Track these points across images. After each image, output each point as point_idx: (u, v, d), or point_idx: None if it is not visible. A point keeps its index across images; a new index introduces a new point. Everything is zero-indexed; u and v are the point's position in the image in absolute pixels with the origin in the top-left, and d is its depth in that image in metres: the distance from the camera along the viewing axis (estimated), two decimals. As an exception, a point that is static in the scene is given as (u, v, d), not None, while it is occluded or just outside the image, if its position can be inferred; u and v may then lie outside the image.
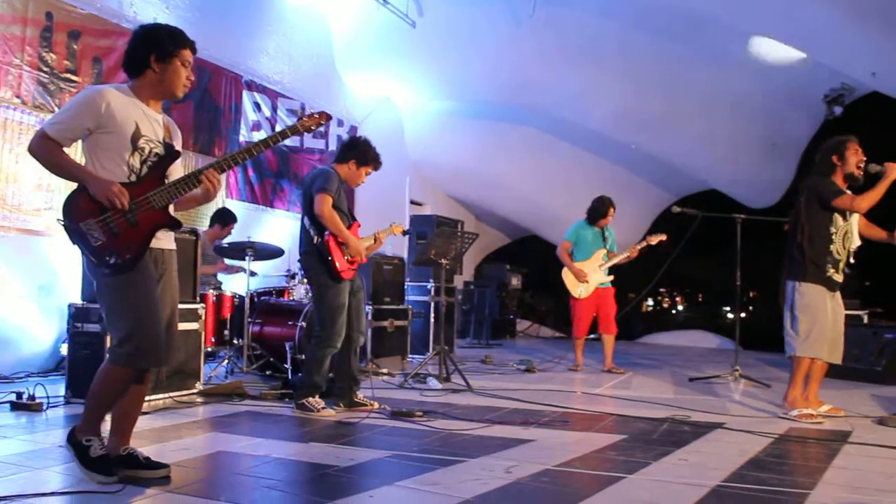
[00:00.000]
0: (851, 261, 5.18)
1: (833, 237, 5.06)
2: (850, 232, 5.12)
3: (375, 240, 5.51)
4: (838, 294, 5.17)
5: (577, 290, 8.04)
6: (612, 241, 8.26)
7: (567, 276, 8.11)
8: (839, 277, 5.11)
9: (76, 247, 3.04)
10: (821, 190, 5.05)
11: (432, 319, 8.75)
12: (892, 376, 7.00)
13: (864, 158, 5.08)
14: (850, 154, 5.06)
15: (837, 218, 5.07)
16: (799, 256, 5.09)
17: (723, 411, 5.38)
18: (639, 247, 8.05)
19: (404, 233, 5.96)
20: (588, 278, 8.00)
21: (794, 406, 5.07)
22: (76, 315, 5.10)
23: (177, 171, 3.31)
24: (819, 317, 5.05)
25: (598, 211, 8.12)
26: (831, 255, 5.07)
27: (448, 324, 8.55)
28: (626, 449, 4.03)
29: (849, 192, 5.04)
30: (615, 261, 8.09)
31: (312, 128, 3.65)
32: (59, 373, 6.20)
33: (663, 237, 8.30)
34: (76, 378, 4.97)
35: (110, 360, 3.12)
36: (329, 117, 3.77)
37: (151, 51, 3.16)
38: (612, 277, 8.22)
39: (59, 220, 3.02)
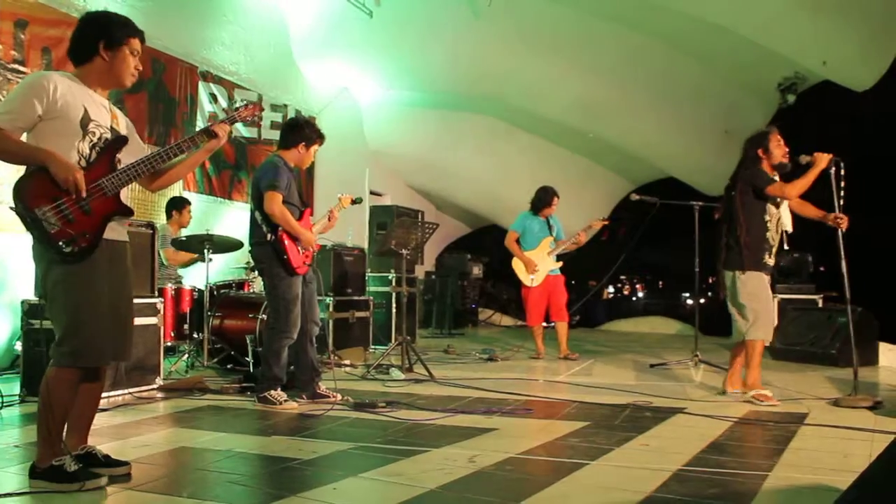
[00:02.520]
0: (785, 247, 5.43)
1: (768, 224, 5.28)
2: (781, 218, 5.35)
3: (329, 218, 5.53)
4: (769, 278, 5.36)
5: (529, 278, 8.14)
6: (559, 229, 8.38)
7: (518, 266, 8.22)
8: (772, 262, 5.34)
9: (30, 233, 2.92)
10: (754, 179, 5.25)
11: (394, 310, 8.74)
12: (846, 359, 7.13)
13: (787, 149, 5.31)
14: (773, 146, 5.30)
15: (770, 206, 5.29)
16: (735, 246, 5.26)
17: (683, 396, 5.45)
18: (582, 232, 8.22)
19: (354, 201, 5.87)
20: (538, 267, 8.10)
21: (753, 388, 5.18)
22: (30, 312, 5.00)
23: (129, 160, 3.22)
24: (763, 301, 5.25)
25: (543, 200, 8.27)
26: (767, 242, 5.28)
27: (410, 314, 8.55)
28: (588, 435, 4.06)
29: (778, 181, 5.24)
30: (562, 248, 8.22)
31: (248, 119, 3.62)
32: (13, 371, 6.07)
33: (606, 221, 8.64)
34: (31, 376, 4.86)
35: (53, 362, 2.99)
36: (262, 108, 3.76)
37: (101, 38, 3.08)
38: (560, 264, 8.34)
39: (10, 207, 2.89)
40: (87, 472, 2.99)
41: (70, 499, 2.83)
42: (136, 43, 3.17)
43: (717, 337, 10.90)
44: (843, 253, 5.21)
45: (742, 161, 5.41)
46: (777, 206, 5.31)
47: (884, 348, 7.73)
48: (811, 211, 5.36)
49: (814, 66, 10.38)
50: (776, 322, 5.42)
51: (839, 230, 5.16)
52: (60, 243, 2.91)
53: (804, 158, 5.19)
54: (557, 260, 8.30)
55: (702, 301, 8.31)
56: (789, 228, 5.38)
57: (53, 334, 3.02)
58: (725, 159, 12.73)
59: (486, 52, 11.19)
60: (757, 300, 5.21)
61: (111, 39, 3.10)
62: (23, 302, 5.09)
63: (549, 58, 11.35)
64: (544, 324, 8.33)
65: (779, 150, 5.29)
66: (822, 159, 5.10)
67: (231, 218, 9.30)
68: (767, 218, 5.27)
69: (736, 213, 5.28)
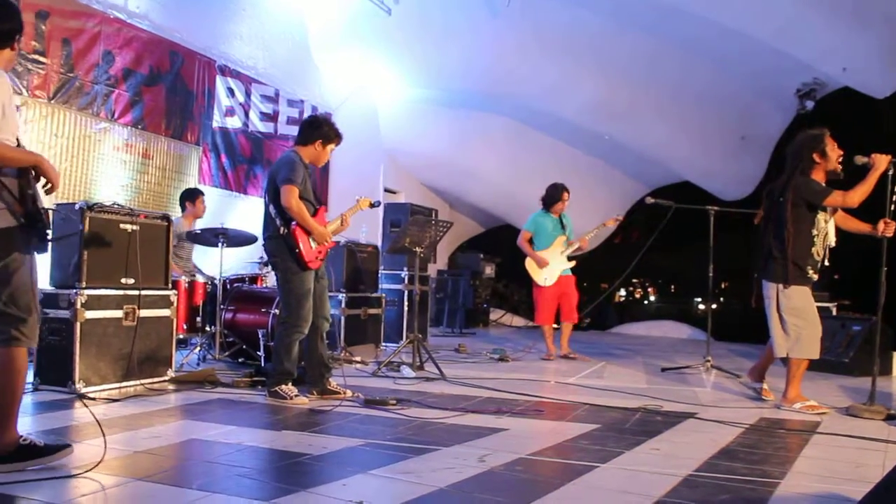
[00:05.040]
0: (826, 262, 5.20)
1: (815, 239, 5.08)
2: (828, 233, 5.14)
3: (342, 222, 5.49)
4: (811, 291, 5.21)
5: (542, 277, 8.13)
6: (570, 228, 8.38)
7: (531, 265, 8.22)
8: (816, 277, 5.16)
9: (30, 225, 3.01)
10: (807, 192, 5.02)
11: (406, 308, 8.74)
12: (859, 368, 7.10)
13: (842, 152, 5.08)
14: (829, 150, 5.05)
15: (820, 220, 5.08)
16: (780, 258, 5.06)
17: (695, 401, 5.42)
18: (593, 231, 8.29)
19: (372, 205, 5.84)
20: (550, 265, 8.12)
21: (796, 401, 5.11)
22: (45, 301, 4.99)
23: None
24: (810, 317, 5.08)
25: (553, 197, 8.25)
26: (812, 257, 5.09)
27: (422, 312, 8.55)
28: (598, 438, 4.05)
29: (835, 189, 5.01)
30: (575, 247, 8.23)
31: None
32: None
33: (620, 219, 8.76)
34: (45, 365, 4.90)
35: (16, 342, 3.03)
36: None
37: (18, 29, 3.08)
38: (573, 264, 8.34)
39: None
40: (59, 445, 3.10)
41: (81, 485, 2.84)
42: None
43: (729, 342, 10.86)
44: (884, 261, 4.99)
45: (793, 167, 5.13)
46: (827, 220, 5.10)
47: (898, 358, 7.68)
48: (856, 225, 5.19)
49: (833, 72, 10.30)
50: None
51: (885, 238, 4.97)
52: (49, 231, 3.07)
53: (860, 159, 4.94)
54: (570, 260, 8.30)
55: (714, 306, 8.25)
56: (833, 243, 5.14)
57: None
58: (742, 165, 12.82)
59: (503, 52, 11.18)
60: (802, 316, 5.05)
61: (22, 30, 3.12)
62: (38, 291, 5.10)
63: (566, 59, 11.32)
64: (554, 325, 8.34)
65: (834, 153, 5.04)
66: (882, 161, 4.84)
67: (245, 212, 9.33)
68: (815, 232, 5.06)
69: (784, 223, 5.04)
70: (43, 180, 3.07)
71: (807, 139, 5.15)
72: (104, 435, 3.22)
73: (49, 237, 3.08)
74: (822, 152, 5.05)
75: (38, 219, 3.02)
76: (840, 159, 5.07)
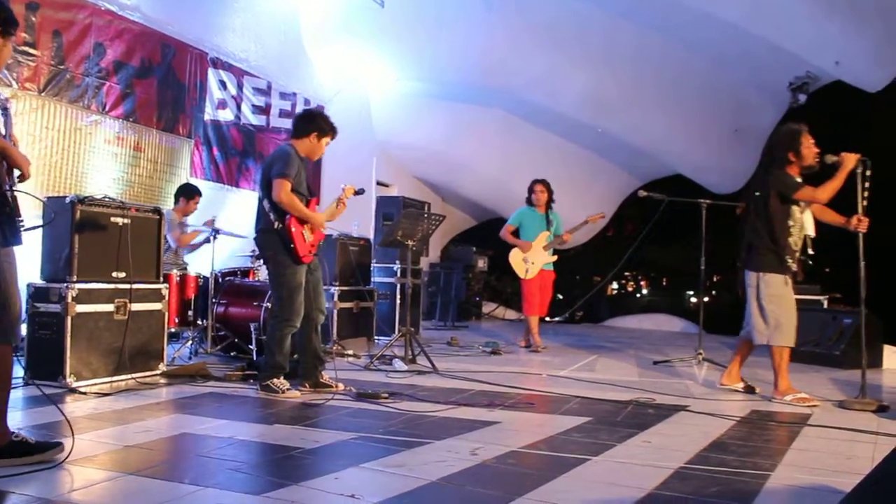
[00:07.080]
0: (810, 251, 5.31)
1: (791, 229, 5.21)
2: (804, 223, 5.30)
3: (338, 204, 5.46)
4: (791, 281, 5.31)
5: (523, 270, 8.38)
6: (558, 224, 8.58)
7: (514, 259, 8.45)
8: (795, 267, 5.27)
9: (7, 210, 2.96)
10: (780, 185, 5.17)
11: (398, 301, 8.75)
12: (850, 361, 7.11)
13: (818, 150, 5.21)
14: (804, 149, 5.18)
15: (794, 211, 5.22)
16: (759, 248, 5.22)
17: (686, 394, 5.44)
18: (578, 225, 8.48)
19: (356, 192, 5.81)
20: (534, 258, 8.33)
21: (787, 393, 5.16)
22: (35, 295, 4.99)
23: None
24: (786, 306, 5.19)
25: (529, 191, 8.56)
26: (789, 247, 5.21)
27: (414, 305, 8.54)
28: (590, 431, 4.05)
29: (807, 185, 5.14)
30: (557, 243, 8.49)
31: None
32: (16, 354, 6.06)
33: (603, 215, 9.04)
34: (35, 359, 4.89)
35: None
36: None
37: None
38: (555, 258, 8.55)
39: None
40: (51, 443, 3.09)
41: (73, 482, 2.83)
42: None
43: (721, 335, 10.87)
44: (861, 255, 5.09)
45: (770, 161, 5.29)
46: (801, 210, 5.25)
47: (888, 351, 7.71)
48: (832, 216, 5.30)
49: (826, 65, 10.32)
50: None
51: (859, 233, 5.08)
52: (21, 221, 3.00)
53: (830, 158, 5.10)
54: (554, 254, 8.51)
55: (706, 299, 8.27)
56: (811, 233, 5.31)
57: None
58: (735, 158, 12.83)
59: (496, 44, 11.16)
60: (779, 304, 5.17)
61: (8, 27, 3.03)
62: (28, 285, 5.08)
63: (559, 52, 11.31)
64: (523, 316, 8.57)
65: (809, 152, 5.18)
66: (850, 159, 5.00)
67: (237, 205, 9.30)
68: (791, 223, 5.19)
69: (761, 216, 5.21)
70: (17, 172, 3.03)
71: (784, 137, 5.30)
72: (72, 431, 3.20)
73: (22, 227, 2.99)
74: (797, 152, 5.19)
75: (4, 203, 2.94)
76: (815, 157, 5.19)
